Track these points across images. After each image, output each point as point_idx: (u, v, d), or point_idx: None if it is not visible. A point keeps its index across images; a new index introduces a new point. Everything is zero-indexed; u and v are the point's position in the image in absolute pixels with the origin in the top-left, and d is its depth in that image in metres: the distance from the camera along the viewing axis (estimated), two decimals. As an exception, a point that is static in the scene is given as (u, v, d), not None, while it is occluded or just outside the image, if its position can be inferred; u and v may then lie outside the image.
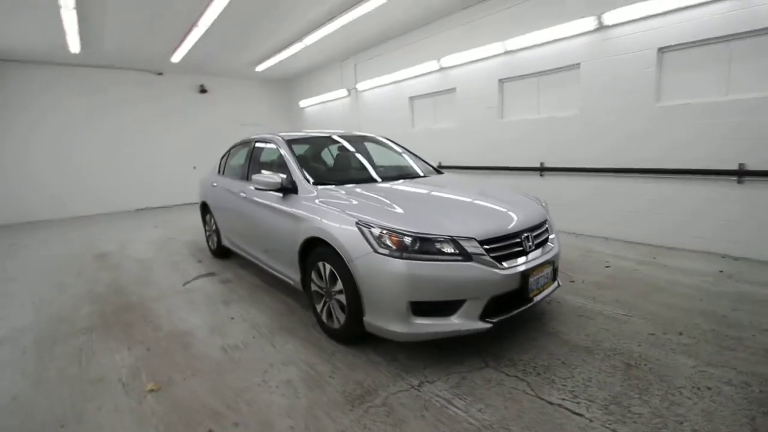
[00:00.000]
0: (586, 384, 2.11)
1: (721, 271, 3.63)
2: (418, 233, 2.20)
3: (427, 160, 4.07)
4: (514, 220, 2.47)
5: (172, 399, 2.14)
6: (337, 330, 2.61)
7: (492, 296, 2.22)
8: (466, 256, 2.18)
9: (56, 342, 2.89)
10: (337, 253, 2.43)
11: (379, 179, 3.26)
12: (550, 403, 1.97)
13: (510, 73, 5.69)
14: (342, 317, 2.53)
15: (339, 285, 2.48)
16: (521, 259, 2.36)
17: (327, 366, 2.38)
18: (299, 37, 7.28)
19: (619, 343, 2.50)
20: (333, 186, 2.97)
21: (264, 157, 3.92)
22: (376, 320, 2.27)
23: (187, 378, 2.32)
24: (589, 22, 4.62)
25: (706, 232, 4.13)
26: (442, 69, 6.67)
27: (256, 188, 3.20)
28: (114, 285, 4.10)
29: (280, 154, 3.45)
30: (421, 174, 3.57)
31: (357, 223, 2.35)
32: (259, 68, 9.37)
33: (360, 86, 8.61)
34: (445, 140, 6.85)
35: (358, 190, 2.88)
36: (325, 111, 10.29)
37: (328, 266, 2.56)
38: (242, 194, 3.77)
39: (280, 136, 3.66)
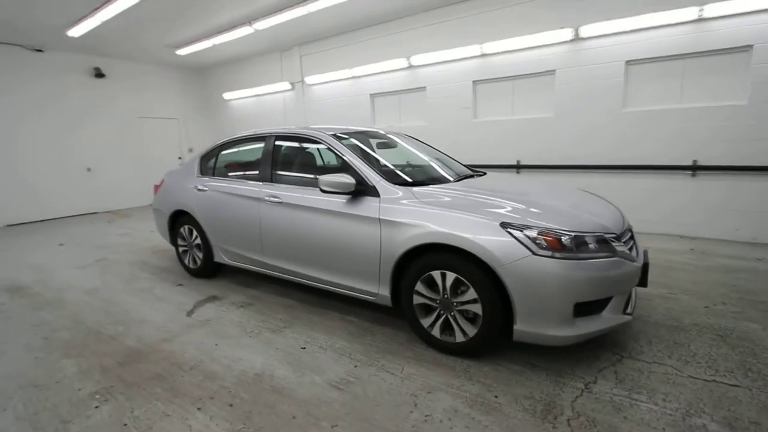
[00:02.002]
0: (712, 358, 2.33)
1: (692, 249, 4.40)
2: (575, 231, 2.13)
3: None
4: (624, 216, 2.59)
5: (335, 462, 1.67)
6: (460, 344, 2.37)
7: (632, 288, 2.28)
8: (613, 252, 2.20)
9: (66, 418, 2.02)
10: (470, 259, 2.22)
11: (450, 178, 3.07)
12: (706, 380, 2.12)
13: (485, 75, 5.96)
14: (472, 329, 2.31)
15: (470, 294, 2.26)
16: (637, 251, 2.48)
17: (477, 386, 2.15)
18: (249, 20, 6.45)
19: (693, 318, 2.82)
20: (422, 187, 2.70)
21: (296, 156, 3.36)
22: (531, 327, 2.13)
23: (332, 430, 1.85)
24: (567, 33, 5.12)
25: (666, 217, 4.97)
26: (411, 67, 6.64)
27: (324, 190, 2.71)
28: (81, 328, 3.05)
29: (334, 152, 2.99)
30: (474, 173, 3.47)
31: (503, 224, 2.17)
32: (182, 52, 8.01)
33: (309, 80, 8.03)
34: (414, 139, 6.83)
35: (459, 188, 2.68)
36: (259, 105, 9.33)
37: (450, 275, 2.31)
38: (271, 199, 3.16)
39: (323, 131, 3.17)
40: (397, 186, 2.68)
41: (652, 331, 2.67)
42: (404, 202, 2.56)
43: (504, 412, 1.93)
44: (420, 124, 6.81)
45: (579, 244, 2.11)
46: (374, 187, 2.69)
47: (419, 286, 2.46)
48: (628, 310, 2.32)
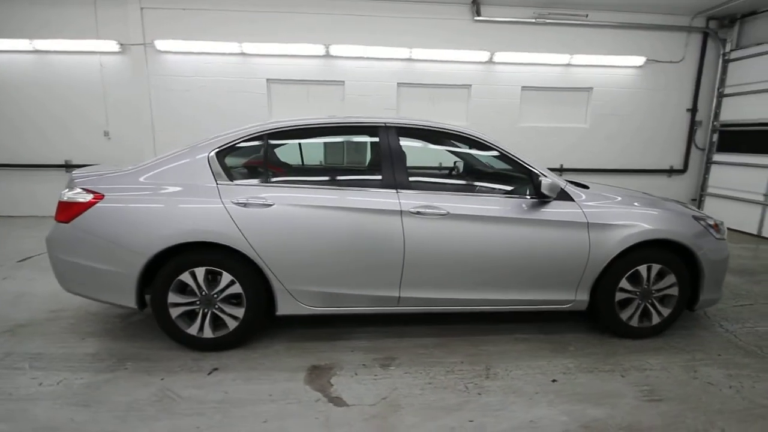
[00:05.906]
0: (751, 291, 3.59)
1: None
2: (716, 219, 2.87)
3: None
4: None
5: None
6: (655, 326, 2.71)
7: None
8: (713, 233, 3.11)
9: None
10: (672, 249, 2.61)
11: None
12: None
13: (410, 79, 6.14)
14: (666, 310, 2.69)
15: (668, 280, 2.64)
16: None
17: (699, 353, 2.57)
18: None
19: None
20: (587, 189, 2.80)
21: (433, 155, 2.63)
22: (710, 295, 2.73)
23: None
24: (484, 55, 6.03)
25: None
26: (328, 57, 5.94)
27: (547, 195, 2.38)
28: None
29: (505, 154, 2.68)
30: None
31: (694, 217, 2.66)
32: None
33: (162, 45, 5.72)
34: (331, 137, 6.20)
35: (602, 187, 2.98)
36: (46, 68, 5.82)
37: (655, 266, 2.61)
38: (426, 211, 2.41)
39: (462, 129, 2.67)
40: (578, 188, 2.69)
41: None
42: (594, 203, 2.63)
43: (743, 363, 2.45)
44: (336, 121, 6.23)
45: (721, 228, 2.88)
46: (566, 190, 2.60)
47: (623, 283, 2.62)
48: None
